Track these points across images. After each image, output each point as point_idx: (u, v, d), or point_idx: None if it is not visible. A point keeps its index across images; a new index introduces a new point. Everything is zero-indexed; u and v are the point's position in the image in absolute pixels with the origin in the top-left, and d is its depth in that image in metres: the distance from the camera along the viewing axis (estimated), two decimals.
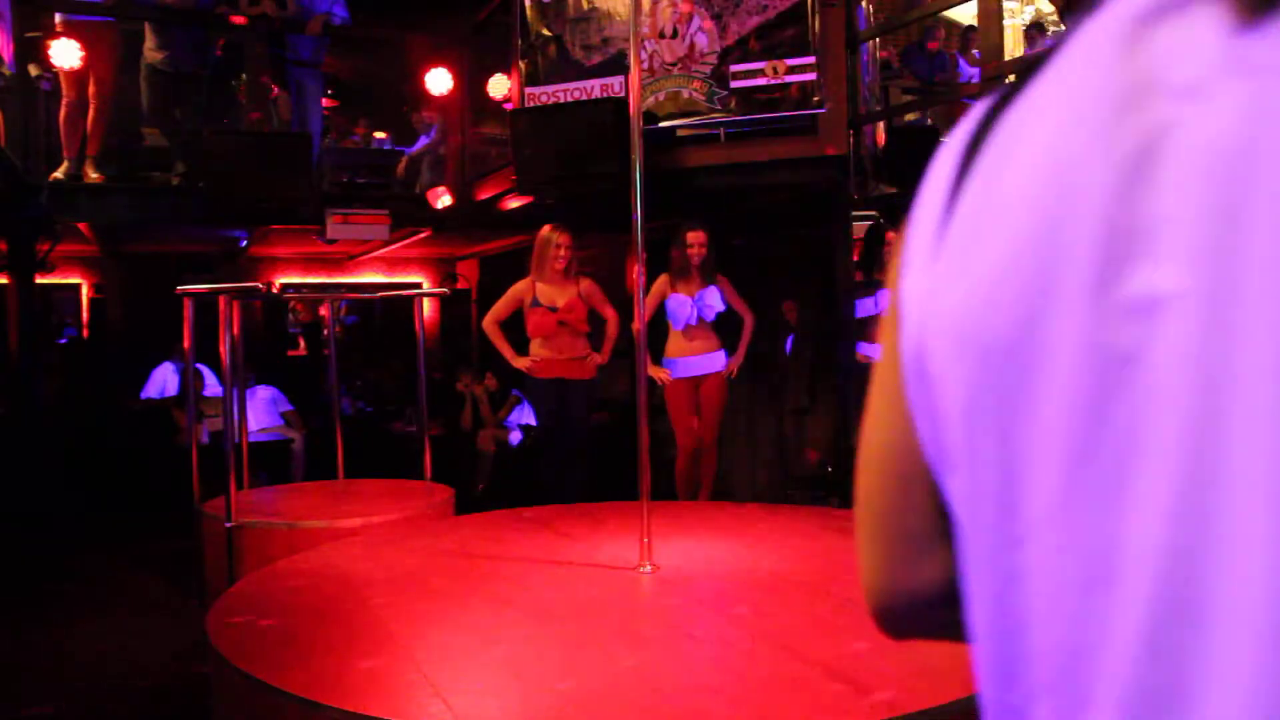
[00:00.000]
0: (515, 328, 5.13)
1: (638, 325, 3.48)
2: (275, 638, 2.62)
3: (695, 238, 4.95)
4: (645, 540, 3.26)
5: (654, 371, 5.01)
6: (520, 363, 5.01)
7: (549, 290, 4.94)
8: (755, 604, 2.89)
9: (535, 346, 5.01)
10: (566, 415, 5.04)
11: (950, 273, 0.46)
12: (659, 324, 5.13)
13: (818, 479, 5.91)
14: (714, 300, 5.00)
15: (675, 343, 5.10)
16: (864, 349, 5.11)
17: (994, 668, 0.46)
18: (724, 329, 5.16)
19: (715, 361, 5.08)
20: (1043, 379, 0.41)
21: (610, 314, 5.07)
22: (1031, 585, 0.42)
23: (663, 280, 5.03)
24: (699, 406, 5.11)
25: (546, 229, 4.99)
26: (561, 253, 4.89)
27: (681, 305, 5.00)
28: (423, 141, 7.89)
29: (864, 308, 5.13)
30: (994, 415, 0.43)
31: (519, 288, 5.04)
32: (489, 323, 5.05)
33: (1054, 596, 0.41)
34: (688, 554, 3.50)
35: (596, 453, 5.37)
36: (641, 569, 3.24)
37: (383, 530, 4.18)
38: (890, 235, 5.28)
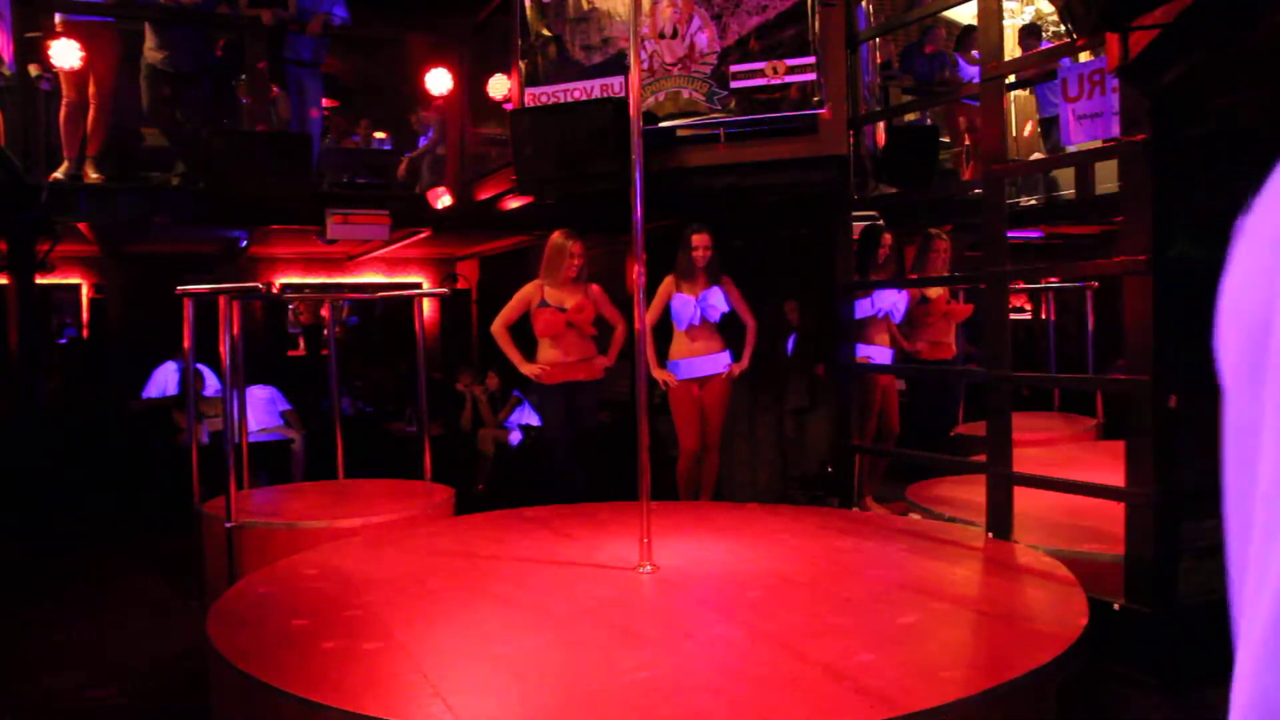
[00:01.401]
0: (521, 333, 5.13)
1: (639, 325, 3.49)
2: (275, 638, 2.62)
3: (700, 240, 4.98)
4: (645, 540, 3.26)
5: (658, 373, 5.01)
6: (529, 369, 5.01)
7: (558, 294, 4.98)
8: (755, 604, 2.89)
9: (543, 347, 5.03)
10: (575, 417, 5.05)
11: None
12: (664, 326, 5.14)
13: (818, 479, 5.91)
14: (717, 300, 5.01)
15: (679, 344, 5.11)
16: (862, 350, 5.10)
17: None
18: (726, 332, 5.16)
19: (718, 362, 5.08)
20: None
21: (618, 321, 5.10)
22: None
23: (668, 281, 5.04)
24: (702, 408, 5.11)
25: (558, 235, 5.00)
26: (574, 261, 4.94)
27: (685, 305, 5.01)
28: (422, 142, 7.89)
29: (861, 309, 5.12)
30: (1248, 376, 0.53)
31: (527, 290, 5.05)
32: (498, 328, 5.03)
33: None
34: (688, 554, 3.50)
35: (598, 452, 5.37)
36: (641, 569, 3.24)
37: (382, 530, 4.18)
38: (886, 237, 5.27)
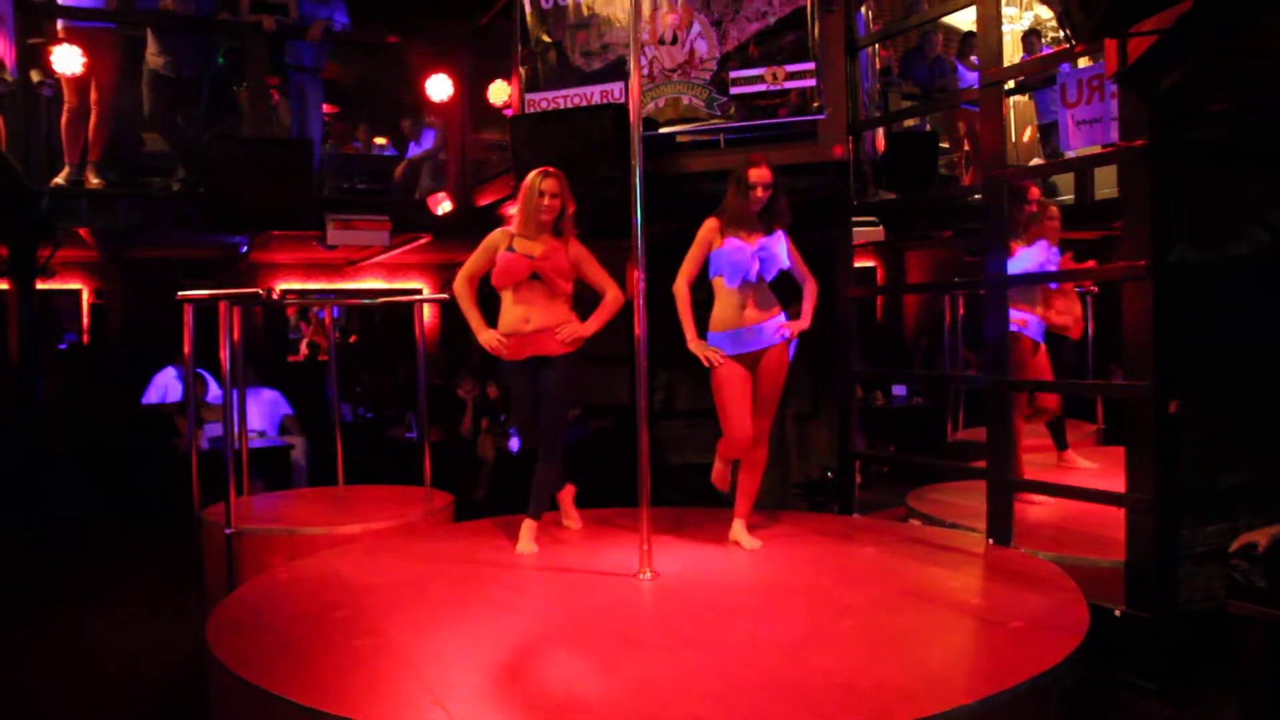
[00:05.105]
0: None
1: (638, 329, 3.46)
2: (274, 644, 2.62)
3: (759, 175, 3.78)
4: (645, 547, 3.26)
5: (701, 350, 3.79)
6: (485, 336, 3.94)
7: (528, 243, 3.98)
8: (754, 610, 2.89)
9: (504, 305, 4.04)
10: (536, 400, 4.00)
11: None
12: (699, 292, 4.07)
13: (818, 484, 5.90)
14: (780, 250, 3.86)
15: (726, 309, 3.85)
16: (1018, 314, 4.59)
17: None
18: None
19: (775, 330, 3.89)
20: None
21: (608, 286, 4.03)
22: None
23: (710, 227, 3.85)
24: (755, 386, 3.89)
25: (532, 174, 3.99)
26: (546, 201, 3.91)
27: (739, 253, 3.78)
28: (422, 146, 7.89)
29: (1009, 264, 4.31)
30: None
31: (494, 236, 4.05)
32: (460, 282, 4.07)
33: None
34: (687, 561, 3.49)
35: (587, 450, 5.27)
36: (641, 576, 3.23)
37: (382, 537, 4.18)
38: (1034, 191, 4.64)
